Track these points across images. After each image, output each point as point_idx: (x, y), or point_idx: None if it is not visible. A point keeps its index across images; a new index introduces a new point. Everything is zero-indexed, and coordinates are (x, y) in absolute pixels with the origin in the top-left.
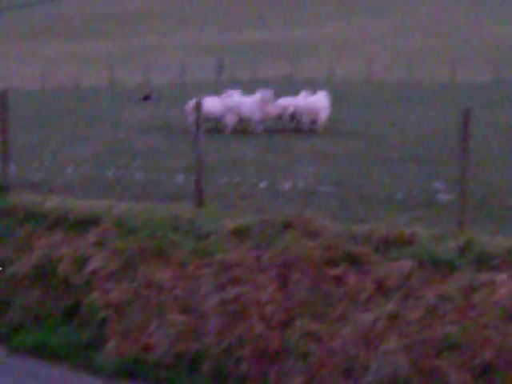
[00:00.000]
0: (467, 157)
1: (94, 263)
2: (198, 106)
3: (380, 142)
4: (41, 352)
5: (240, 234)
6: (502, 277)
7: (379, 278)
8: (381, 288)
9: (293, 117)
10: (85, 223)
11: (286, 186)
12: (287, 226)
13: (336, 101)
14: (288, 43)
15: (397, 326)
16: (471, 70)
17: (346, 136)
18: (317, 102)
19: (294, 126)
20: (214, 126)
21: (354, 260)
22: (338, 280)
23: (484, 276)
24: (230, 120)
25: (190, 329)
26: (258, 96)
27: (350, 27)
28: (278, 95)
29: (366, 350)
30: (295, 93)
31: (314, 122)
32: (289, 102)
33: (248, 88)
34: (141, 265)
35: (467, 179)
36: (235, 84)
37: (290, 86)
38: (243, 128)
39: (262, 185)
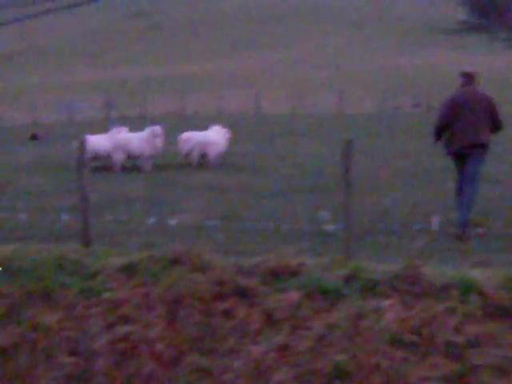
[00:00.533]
0: (350, 186)
1: None
2: (81, 145)
3: (269, 174)
4: None
5: (128, 271)
6: (387, 303)
7: (268, 309)
8: (270, 320)
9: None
10: None
11: (174, 221)
12: (175, 261)
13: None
14: (178, 78)
15: (287, 357)
16: (358, 100)
17: (235, 170)
18: (207, 136)
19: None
20: (103, 164)
21: (242, 293)
22: (228, 314)
23: (371, 303)
24: (118, 157)
25: (79, 370)
26: (146, 132)
27: (239, 61)
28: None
29: (257, 382)
30: (186, 128)
31: (204, 156)
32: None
33: (137, 124)
34: (27, 308)
35: (351, 208)
36: (125, 121)
37: (181, 121)
38: (132, 165)
39: (150, 221)
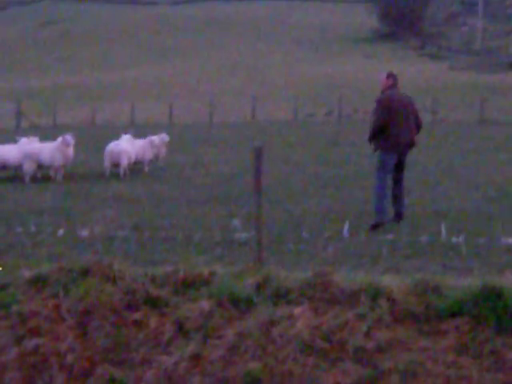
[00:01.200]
0: (260, 194)
1: None
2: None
3: (181, 183)
4: None
5: (37, 283)
6: (298, 310)
7: (179, 319)
8: (181, 329)
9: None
10: None
11: (84, 232)
12: (85, 272)
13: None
14: (89, 87)
15: (199, 367)
16: (272, 108)
17: (148, 179)
18: (118, 145)
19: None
20: (13, 175)
21: (153, 303)
22: (139, 324)
23: (282, 310)
24: (28, 167)
25: None
26: (59, 141)
27: (150, 71)
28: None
29: None
30: (97, 137)
31: (116, 165)
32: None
33: (49, 133)
34: None
35: (262, 216)
36: (36, 130)
37: (93, 130)
38: (43, 175)
39: (60, 233)
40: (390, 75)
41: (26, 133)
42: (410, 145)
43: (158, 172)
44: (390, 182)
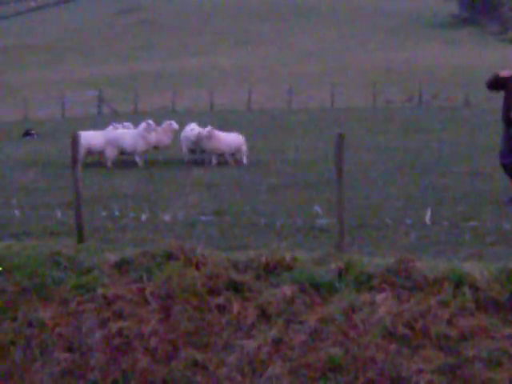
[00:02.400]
0: (342, 180)
1: None
2: (74, 141)
3: (261, 169)
4: None
5: (122, 267)
6: (381, 296)
7: (262, 304)
8: (264, 314)
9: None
10: None
11: (167, 217)
12: (169, 257)
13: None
14: (168, 74)
15: (281, 351)
16: (351, 94)
17: (227, 165)
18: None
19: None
20: (97, 160)
21: (236, 288)
22: (222, 308)
23: (364, 296)
24: (110, 153)
25: (74, 366)
26: (141, 127)
27: (229, 58)
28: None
29: (251, 376)
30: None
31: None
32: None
33: (131, 120)
34: (22, 304)
35: (344, 202)
36: (117, 117)
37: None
38: (127, 160)
39: (143, 217)
40: None
41: (108, 120)
42: None
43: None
44: None
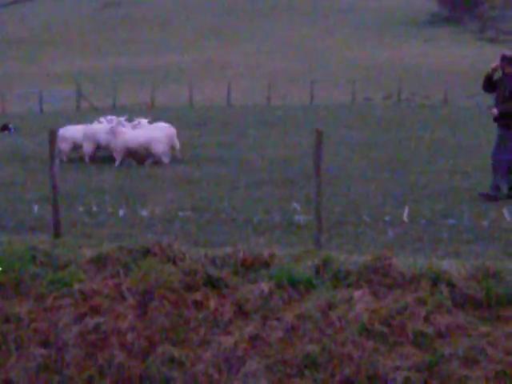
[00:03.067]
0: (320, 177)
1: None
2: (53, 136)
3: (240, 166)
4: None
5: (99, 262)
6: (358, 293)
7: (239, 300)
8: (241, 311)
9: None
10: None
11: (145, 212)
12: (146, 252)
13: (197, 126)
14: (148, 69)
15: (258, 348)
16: (330, 91)
17: (206, 161)
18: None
19: None
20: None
21: (213, 284)
22: (199, 304)
23: (341, 293)
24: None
25: (50, 361)
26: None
27: (209, 53)
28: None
29: (228, 373)
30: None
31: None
32: None
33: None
34: None
35: (321, 199)
36: (96, 112)
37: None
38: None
39: (121, 213)
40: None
41: (86, 114)
42: None
43: (215, 153)
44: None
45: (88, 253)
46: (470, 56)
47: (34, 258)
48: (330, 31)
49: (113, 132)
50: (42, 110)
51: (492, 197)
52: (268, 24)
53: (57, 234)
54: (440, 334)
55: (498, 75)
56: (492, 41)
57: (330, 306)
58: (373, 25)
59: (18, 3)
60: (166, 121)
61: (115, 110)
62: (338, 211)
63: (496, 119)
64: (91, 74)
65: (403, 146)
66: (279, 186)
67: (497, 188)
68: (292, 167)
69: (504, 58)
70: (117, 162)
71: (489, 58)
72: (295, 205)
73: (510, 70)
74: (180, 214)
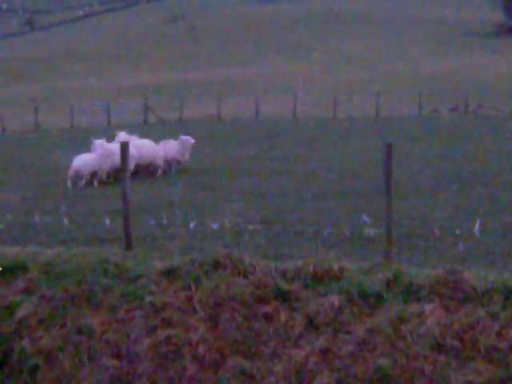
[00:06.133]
0: (391, 190)
1: (23, 310)
2: (124, 149)
3: (307, 178)
4: None
5: (169, 275)
6: (429, 307)
7: (309, 313)
8: (311, 324)
9: None
10: (11, 270)
11: (215, 225)
12: (216, 265)
13: (263, 138)
14: (213, 82)
15: (328, 361)
16: (396, 103)
17: (274, 173)
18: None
19: None
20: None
21: (283, 297)
22: (269, 317)
23: (412, 307)
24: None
25: (122, 373)
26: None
27: (273, 66)
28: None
29: None
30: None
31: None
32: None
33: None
34: (70, 310)
35: (392, 212)
36: (164, 125)
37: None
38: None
39: (191, 225)
40: None
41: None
42: None
43: (282, 166)
44: None
45: (159, 265)
46: None
47: (105, 270)
48: (395, 42)
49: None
50: (109, 123)
51: None
52: (331, 34)
53: (128, 247)
54: None
55: None
56: None
57: (401, 320)
58: (438, 36)
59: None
60: (232, 134)
61: (182, 122)
62: (407, 224)
63: None
64: (157, 87)
65: (471, 159)
66: (347, 198)
67: None
68: (359, 179)
69: None
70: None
71: None
72: (365, 218)
73: None
74: (249, 226)
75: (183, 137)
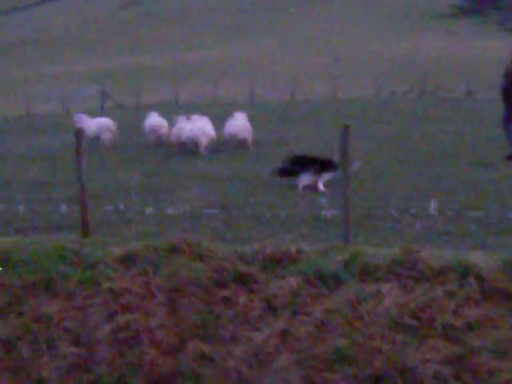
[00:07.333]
0: (348, 171)
1: None
2: (80, 135)
3: (266, 161)
4: None
5: (127, 260)
6: (387, 287)
7: (268, 296)
8: (270, 306)
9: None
10: None
11: (172, 210)
12: (174, 250)
13: (221, 122)
14: (170, 67)
15: (288, 343)
16: (354, 85)
17: (231, 157)
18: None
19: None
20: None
21: (242, 280)
22: (228, 301)
23: (370, 287)
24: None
25: (81, 360)
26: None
27: (229, 51)
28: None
29: (258, 368)
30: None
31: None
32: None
33: (132, 113)
34: (28, 298)
35: (349, 193)
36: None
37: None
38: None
39: (148, 210)
40: None
41: (110, 113)
42: None
43: (238, 150)
44: None
45: (116, 251)
46: (492, 47)
47: (63, 257)
48: (351, 25)
49: None
50: (65, 110)
51: None
52: (289, 18)
53: (85, 233)
54: (469, 327)
55: None
56: None
57: (359, 300)
58: (394, 18)
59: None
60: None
61: (139, 108)
62: (364, 205)
63: None
64: (113, 73)
65: (428, 140)
66: None
67: None
68: None
69: None
70: None
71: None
72: (322, 200)
73: None
74: (207, 211)
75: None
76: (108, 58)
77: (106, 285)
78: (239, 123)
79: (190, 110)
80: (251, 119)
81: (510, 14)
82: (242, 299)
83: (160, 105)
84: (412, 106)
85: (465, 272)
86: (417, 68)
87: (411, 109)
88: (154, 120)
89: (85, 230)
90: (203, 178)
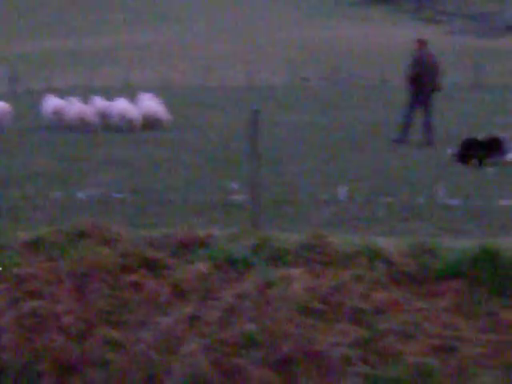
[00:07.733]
0: (257, 156)
1: None
2: None
3: (178, 146)
4: None
5: (34, 246)
6: (296, 271)
7: (177, 281)
8: (179, 291)
9: None
10: None
11: (81, 194)
12: (82, 235)
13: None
14: (84, 51)
15: (196, 328)
16: (268, 72)
17: (144, 142)
18: None
19: None
20: None
21: (150, 265)
22: (136, 286)
23: (279, 272)
24: None
25: None
26: None
27: (145, 35)
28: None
29: (167, 353)
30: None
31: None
32: None
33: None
34: None
35: (259, 178)
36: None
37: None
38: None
39: (56, 195)
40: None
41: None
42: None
43: (148, 134)
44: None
45: (23, 236)
46: (406, 36)
47: None
48: (265, 12)
49: None
50: None
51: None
52: (204, 4)
53: None
54: (377, 310)
55: None
56: (428, 21)
57: (268, 285)
58: (308, 4)
59: None
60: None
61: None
62: (275, 191)
63: None
64: (25, 56)
65: (341, 126)
66: (216, 166)
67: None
68: (230, 147)
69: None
70: None
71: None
72: (233, 185)
73: None
74: (116, 195)
75: None
76: (19, 40)
77: (12, 270)
78: (153, 103)
79: (104, 95)
80: (166, 104)
81: (424, 4)
82: (151, 284)
83: (73, 89)
84: (326, 93)
85: (373, 256)
86: (332, 55)
87: (324, 96)
88: (54, 102)
89: None
90: (111, 163)
